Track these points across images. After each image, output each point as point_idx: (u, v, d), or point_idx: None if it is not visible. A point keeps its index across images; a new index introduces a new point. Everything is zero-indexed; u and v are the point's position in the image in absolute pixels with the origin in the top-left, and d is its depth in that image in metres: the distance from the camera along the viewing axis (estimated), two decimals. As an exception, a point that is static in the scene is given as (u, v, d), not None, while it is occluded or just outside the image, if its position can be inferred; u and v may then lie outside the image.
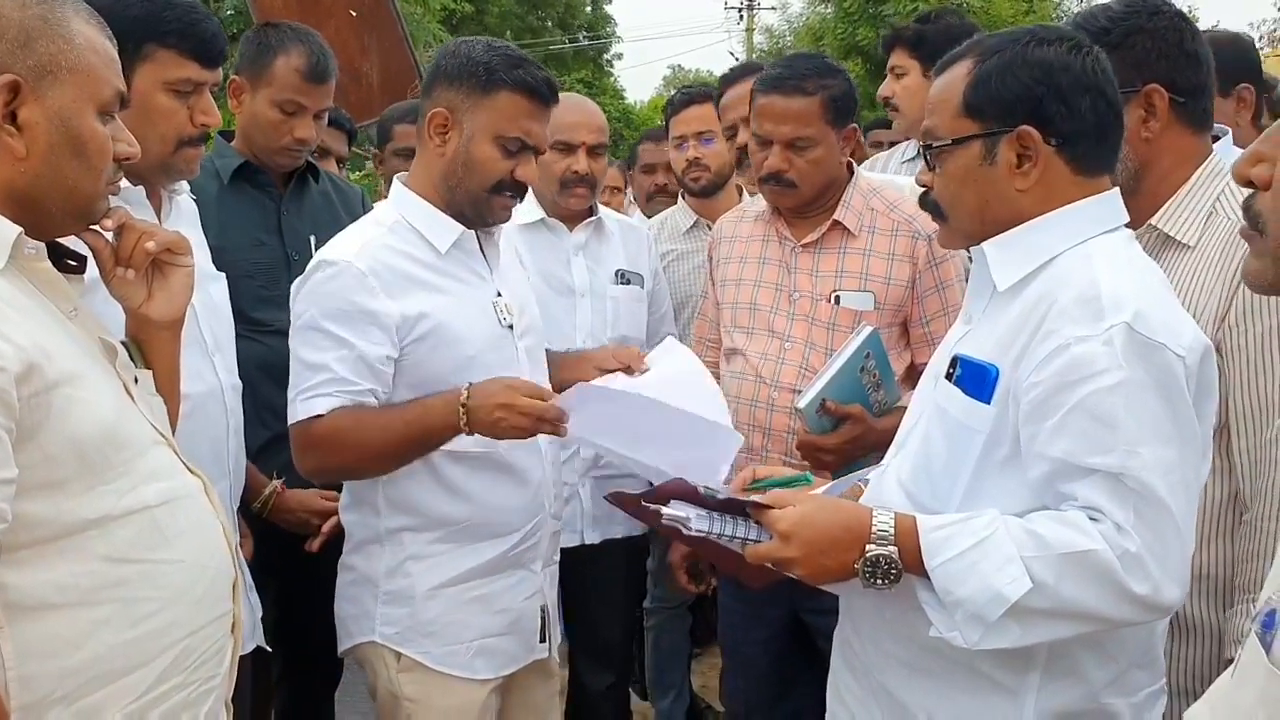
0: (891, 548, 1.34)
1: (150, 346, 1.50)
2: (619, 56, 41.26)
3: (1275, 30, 22.19)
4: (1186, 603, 1.61)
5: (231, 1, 13.53)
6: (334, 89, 2.51)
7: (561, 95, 2.02)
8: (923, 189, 1.54)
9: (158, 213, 1.92)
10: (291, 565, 2.38)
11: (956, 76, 1.45)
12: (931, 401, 1.52)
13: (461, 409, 1.79)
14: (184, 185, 2.02)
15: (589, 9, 38.60)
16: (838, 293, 2.24)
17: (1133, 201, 1.72)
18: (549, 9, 35.53)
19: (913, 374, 2.29)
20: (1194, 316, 1.57)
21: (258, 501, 2.31)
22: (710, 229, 2.94)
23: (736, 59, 30.11)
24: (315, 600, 2.14)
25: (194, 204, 2.10)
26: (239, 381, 2.05)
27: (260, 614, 2.12)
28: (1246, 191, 1.03)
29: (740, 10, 30.11)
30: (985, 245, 1.46)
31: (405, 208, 1.97)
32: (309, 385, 1.85)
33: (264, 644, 2.14)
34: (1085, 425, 1.29)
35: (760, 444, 2.27)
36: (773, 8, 28.52)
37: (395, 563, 1.95)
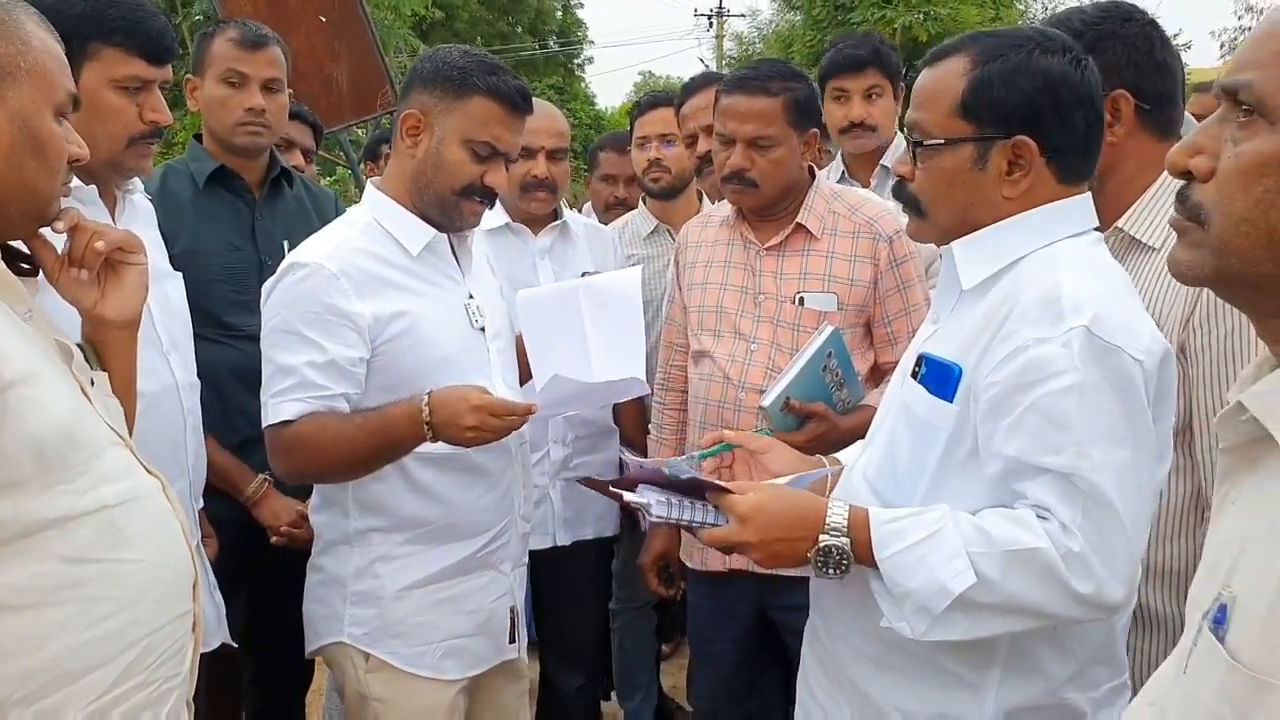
0: (844, 539, 1.38)
1: (106, 348, 1.50)
2: (590, 61, 41.28)
3: (1236, 39, 22.61)
4: (1152, 597, 1.66)
5: (200, 6, 13.43)
6: (281, 63, 2.53)
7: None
8: (899, 179, 1.54)
9: (111, 211, 1.93)
10: (263, 567, 2.41)
11: (952, 72, 1.43)
12: (898, 399, 1.54)
13: (426, 426, 1.80)
14: (138, 184, 2.03)
15: (560, 15, 38.61)
16: (801, 294, 2.27)
17: (1094, 203, 1.78)
18: (520, 15, 35.51)
19: (877, 373, 2.34)
20: (1158, 318, 1.59)
21: (245, 494, 2.36)
22: (671, 234, 2.98)
23: (706, 66, 30.21)
24: (287, 602, 2.15)
25: (149, 203, 2.11)
26: (196, 380, 2.06)
27: (224, 611, 2.13)
28: None
29: (710, 17, 30.26)
30: (954, 245, 1.47)
31: (377, 210, 1.98)
32: (280, 389, 1.86)
33: (229, 640, 2.14)
34: (1039, 426, 1.32)
35: (728, 444, 2.30)
36: (742, 15, 28.70)
37: (364, 563, 1.95)
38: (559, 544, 2.65)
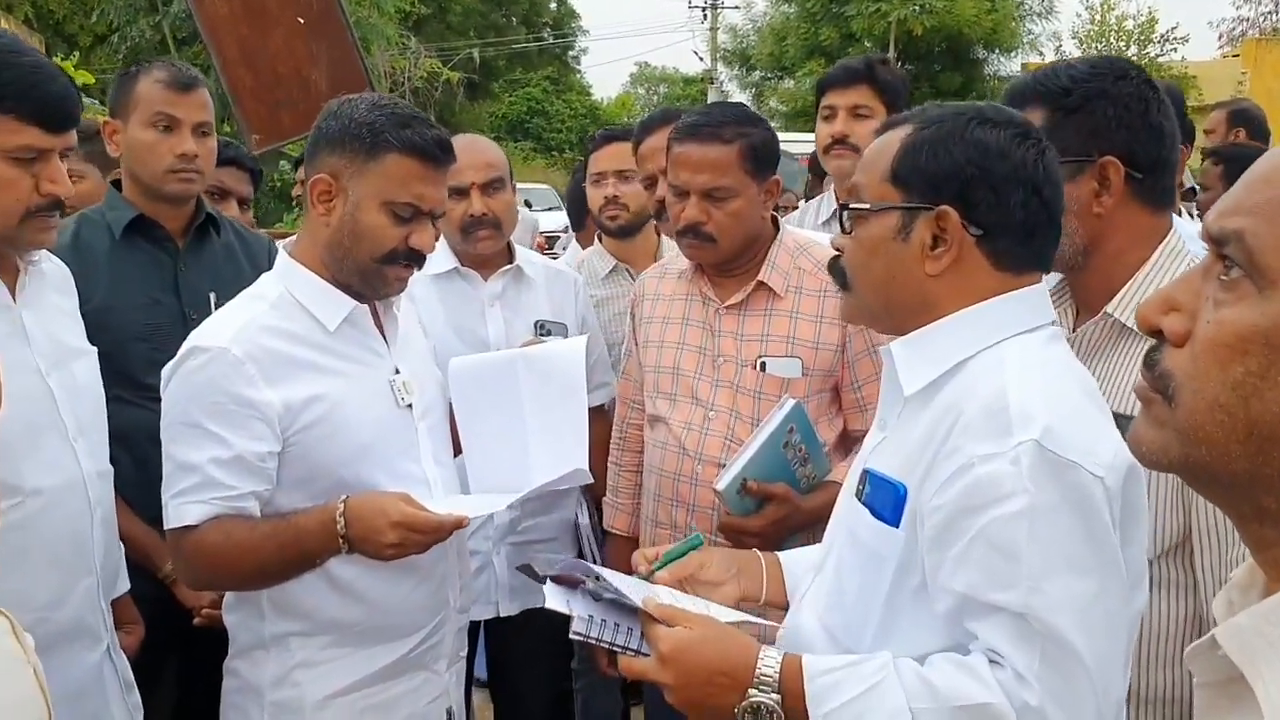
0: (774, 695, 1.23)
1: None
2: (584, 52, 41.14)
3: (1235, 29, 22.40)
4: None
5: (180, 5, 13.24)
6: (211, 106, 2.38)
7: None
8: (836, 253, 1.41)
9: (11, 286, 1.77)
10: (191, 640, 2.25)
11: (893, 139, 1.32)
12: (844, 522, 1.39)
13: (341, 540, 1.66)
14: (45, 252, 1.86)
15: (554, 6, 38.39)
16: (764, 358, 2.10)
17: (1079, 279, 1.60)
18: (513, 7, 35.31)
19: (847, 440, 2.17)
20: None
21: (164, 572, 2.21)
22: (630, 274, 2.83)
23: (701, 58, 30.02)
24: (218, 675, 1.96)
25: (63, 268, 1.95)
26: (108, 466, 1.90)
27: (141, 715, 1.97)
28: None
29: (704, 9, 29.99)
30: (893, 345, 1.33)
31: (290, 281, 1.81)
32: (181, 489, 1.70)
33: None
34: (987, 557, 1.16)
35: (684, 521, 2.14)
36: (736, 7, 28.47)
37: (282, 671, 1.78)
38: (503, 614, 2.48)
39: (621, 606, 1.38)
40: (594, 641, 1.36)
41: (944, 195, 1.26)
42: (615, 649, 1.36)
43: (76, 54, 13.89)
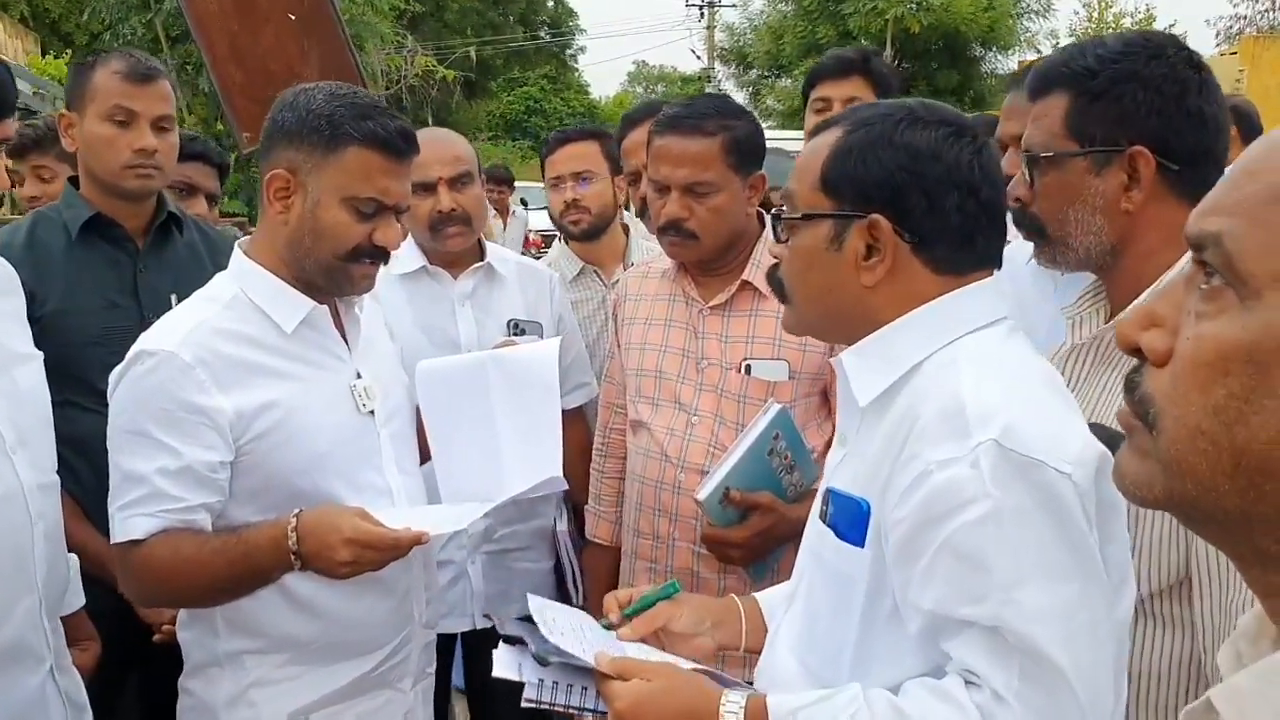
0: None
1: None
2: (582, 51, 41.09)
3: (1232, 26, 22.33)
4: None
5: (173, 1, 13.15)
6: (172, 99, 2.28)
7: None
8: (774, 261, 1.34)
9: None
10: (152, 654, 2.15)
11: (823, 144, 1.25)
12: (812, 548, 1.30)
13: (293, 556, 1.57)
14: None
15: (551, 4, 38.33)
16: (749, 361, 2.01)
17: (1110, 280, 1.48)
18: (510, 5, 35.21)
19: (835, 446, 2.08)
20: None
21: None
22: (599, 275, 2.74)
23: (699, 57, 29.97)
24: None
25: (6, 268, 1.84)
26: (53, 479, 1.80)
27: None
28: None
29: (701, 8, 29.92)
30: (844, 355, 1.26)
31: (245, 281, 1.71)
32: (128, 501, 1.61)
33: None
34: (954, 569, 1.08)
35: (667, 530, 2.05)
36: (733, 5, 28.40)
37: (237, 690, 1.69)
38: (479, 627, 2.37)
39: (573, 668, 1.30)
40: (549, 707, 1.29)
41: (875, 203, 1.20)
42: (572, 711, 1.29)
43: (70, 52, 13.81)
